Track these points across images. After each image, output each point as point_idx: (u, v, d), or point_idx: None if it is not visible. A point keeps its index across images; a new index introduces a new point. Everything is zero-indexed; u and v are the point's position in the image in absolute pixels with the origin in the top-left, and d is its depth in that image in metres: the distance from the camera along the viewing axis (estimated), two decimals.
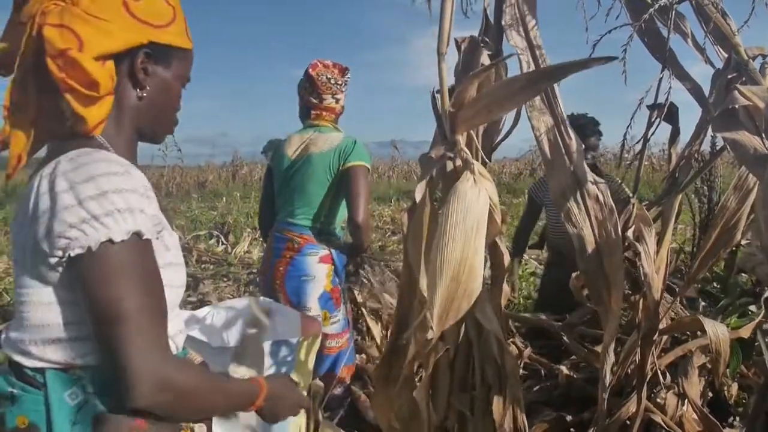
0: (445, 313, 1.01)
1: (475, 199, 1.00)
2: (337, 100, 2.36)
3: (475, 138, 1.26)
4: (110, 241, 0.80)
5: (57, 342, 0.85)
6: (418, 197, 1.14)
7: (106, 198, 0.81)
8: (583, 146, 3.05)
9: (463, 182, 1.02)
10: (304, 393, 1.47)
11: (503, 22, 1.25)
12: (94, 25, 0.87)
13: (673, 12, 1.22)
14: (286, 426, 1.44)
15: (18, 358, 0.86)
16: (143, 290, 0.83)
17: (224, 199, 13.57)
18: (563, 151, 1.27)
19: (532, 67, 1.21)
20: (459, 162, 1.12)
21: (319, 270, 2.27)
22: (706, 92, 1.41)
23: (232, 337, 1.72)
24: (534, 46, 1.23)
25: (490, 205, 1.06)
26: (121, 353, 0.80)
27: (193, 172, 21.38)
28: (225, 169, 22.49)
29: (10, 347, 0.88)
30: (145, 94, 0.95)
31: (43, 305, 0.85)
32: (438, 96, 1.19)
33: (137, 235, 0.83)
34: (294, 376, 1.43)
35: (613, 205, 1.29)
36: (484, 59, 1.23)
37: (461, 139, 1.15)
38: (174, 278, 0.95)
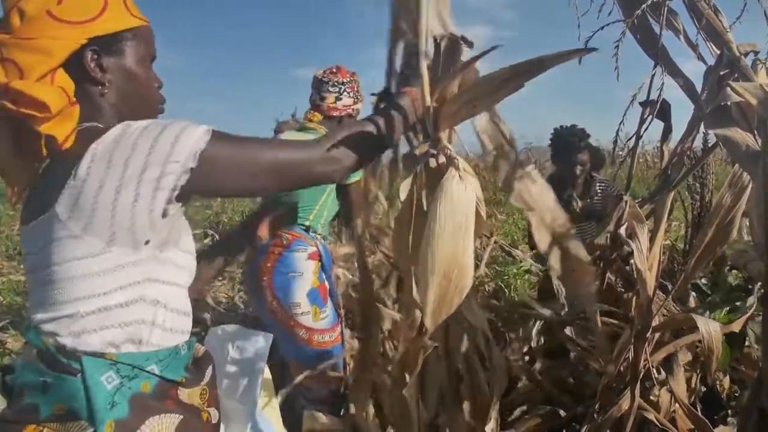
0: (438, 310, 1.01)
1: (463, 196, 1.00)
2: (338, 99, 2.38)
3: (456, 133, 1.25)
4: (201, 151, 0.87)
5: (117, 309, 0.88)
6: (402, 196, 1.13)
7: (168, 128, 0.87)
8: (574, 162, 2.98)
9: (449, 179, 1.01)
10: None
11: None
12: (29, 47, 0.89)
13: (665, 8, 1.22)
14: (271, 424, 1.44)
15: (52, 345, 0.87)
16: (250, 141, 0.96)
17: (219, 198, 13.50)
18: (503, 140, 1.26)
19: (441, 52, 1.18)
20: (442, 159, 1.12)
21: (307, 267, 2.28)
22: (699, 89, 1.41)
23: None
24: (449, 31, 1.19)
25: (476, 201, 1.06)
26: (297, 171, 0.98)
27: None
28: None
29: (42, 335, 0.89)
30: (106, 91, 0.96)
31: (103, 272, 0.87)
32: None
33: (212, 130, 0.91)
34: (261, 403, 1.42)
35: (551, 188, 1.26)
36: (464, 55, 1.22)
37: (444, 136, 1.15)
38: (192, 245, 1.01)
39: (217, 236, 6.69)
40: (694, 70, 1.52)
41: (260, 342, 1.52)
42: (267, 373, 1.58)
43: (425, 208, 1.12)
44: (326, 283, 2.33)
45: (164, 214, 0.88)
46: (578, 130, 2.94)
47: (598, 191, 2.95)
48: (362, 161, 1.06)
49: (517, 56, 1.05)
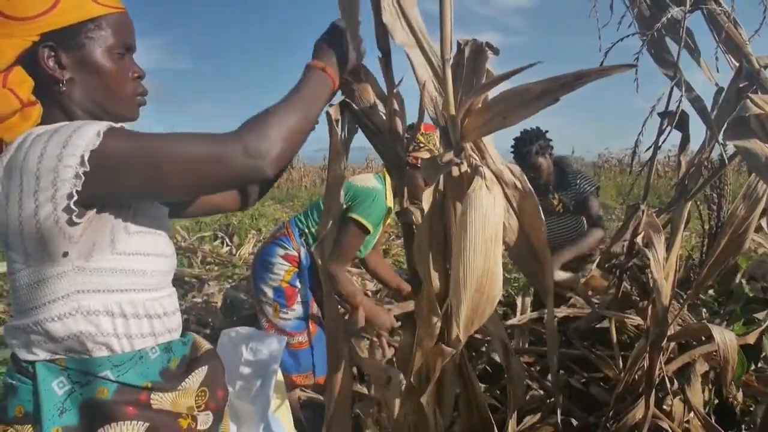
0: (471, 321, 1.02)
1: (492, 207, 1.00)
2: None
3: (483, 142, 1.26)
4: (92, 152, 0.80)
5: (49, 323, 0.86)
6: (425, 204, 1.13)
7: (59, 131, 0.82)
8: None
9: (476, 191, 1.01)
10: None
11: (383, 20, 1.15)
12: None
13: (684, 29, 1.23)
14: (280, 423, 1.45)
15: (15, 350, 0.89)
16: (157, 136, 0.85)
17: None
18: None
19: (423, 63, 1.17)
20: (465, 167, 1.12)
21: (278, 263, 2.33)
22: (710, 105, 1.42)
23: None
24: (421, 41, 1.17)
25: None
26: (220, 170, 0.85)
27: None
28: None
29: (9, 339, 0.90)
30: (64, 89, 0.89)
31: (32, 286, 0.86)
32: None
33: (110, 128, 0.84)
34: (274, 405, 1.44)
35: (531, 189, 1.24)
36: (489, 63, 1.22)
37: (468, 146, 1.15)
38: (156, 246, 0.95)
39: (227, 239, 6.71)
40: (709, 85, 1.53)
41: (274, 344, 1.53)
42: (279, 375, 1.60)
43: (449, 217, 1.12)
44: (299, 289, 2.34)
45: (73, 223, 0.82)
46: (531, 133, 2.92)
47: (570, 182, 2.97)
48: (291, 148, 0.91)
49: (528, 62, 1.02)
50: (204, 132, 0.88)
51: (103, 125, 0.84)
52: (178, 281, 4.58)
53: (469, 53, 1.20)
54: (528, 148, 2.88)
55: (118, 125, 0.86)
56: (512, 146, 3.02)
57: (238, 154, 0.85)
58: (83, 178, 0.80)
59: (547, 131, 2.99)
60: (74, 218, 0.82)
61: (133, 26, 0.96)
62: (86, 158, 0.80)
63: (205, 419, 0.97)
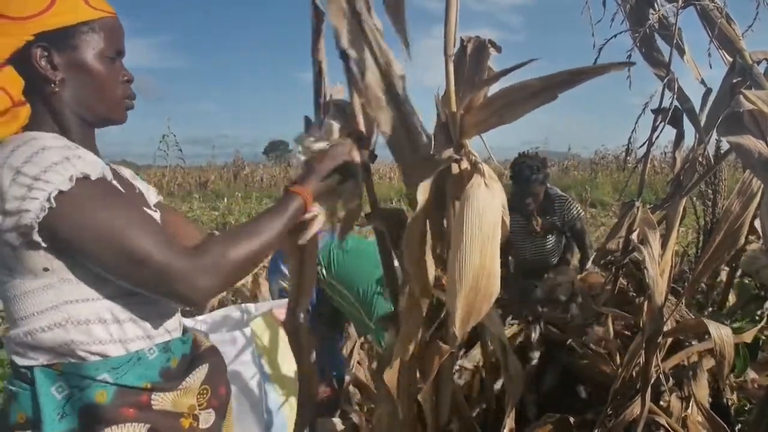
0: (467, 318, 1.01)
1: (489, 204, 1.00)
2: None
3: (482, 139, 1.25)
4: (60, 192, 0.80)
5: (40, 333, 0.86)
6: (420, 199, 1.13)
7: (37, 156, 0.81)
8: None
9: (474, 187, 1.01)
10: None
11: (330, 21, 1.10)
12: None
13: (676, 30, 1.23)
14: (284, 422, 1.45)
15: (12, 357, 0.88)
16: (122, 213, 0.84)
17: (225, 199, 13.58)
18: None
19: (373, 65, 1.11)
20: (466, 164, 1.12)
21: None
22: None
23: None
24: (371, 43, 1.12)
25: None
26: (152, 276, 0.83)
27: (194, 173, 21.33)
28: (226, 169, 22.46)
29: (7, 347, 0.90)
30: (57, 89, 0.89)
31: (19, 297, 0.86)
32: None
33: (85, 178, 0.83)
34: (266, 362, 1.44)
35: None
36: (491, 60, 1.21)
37: (468, 142, 1.14)
38: None
39: None
40: (703, 80, 1.52)
41: (239, 339, 1.53)
42: (288, 372, 1.59)
43: (448, 214, 1.12)
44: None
45: (41, 247, 0.82)
46: (535, 160, 3.00)
47: (556, 207, 3.08)
48: (233, 282, 0.91)
49: (525, 59, 1.04)
50: (163, 236, 0.86)
51: (78, 168, 0.83)
52: None
53: (472, 50, 1.20)
54: (536, 176, 2.95)
55: (94, 176, 0.85)
56: (512, 170, 3.08)
57: (180, 280, 0.84)
58: (47, 212, 0.80)
59: (545, 157, 3.10)
60: (42, 244, 0.82)
61: (124, 31, 0.97)
62: (53, 196, 0.80)
63: (206, 417, 0.97)
